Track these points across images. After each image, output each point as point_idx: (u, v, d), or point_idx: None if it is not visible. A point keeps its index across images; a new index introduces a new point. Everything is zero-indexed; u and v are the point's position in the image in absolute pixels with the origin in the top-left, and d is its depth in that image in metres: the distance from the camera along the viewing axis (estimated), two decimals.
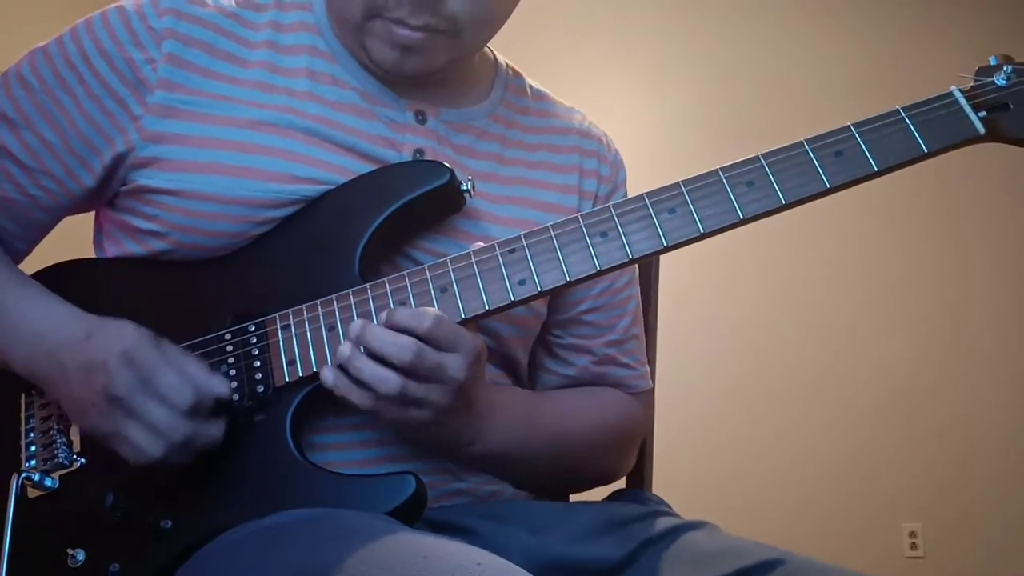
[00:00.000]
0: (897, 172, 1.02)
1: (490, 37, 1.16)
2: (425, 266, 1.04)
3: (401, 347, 0.96)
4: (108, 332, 1.02)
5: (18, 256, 1.20)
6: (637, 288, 1.35)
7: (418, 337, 0.97)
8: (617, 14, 4.90)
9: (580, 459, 1.23)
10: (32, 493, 1.06)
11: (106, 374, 0.98)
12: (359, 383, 0.98)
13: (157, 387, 0.98)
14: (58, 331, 1.05)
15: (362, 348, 0.98)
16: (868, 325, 4.48)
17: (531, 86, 1.30)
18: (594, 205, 1.24)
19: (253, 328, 1.06)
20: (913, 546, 4.31)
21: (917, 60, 4.35)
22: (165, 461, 0.98)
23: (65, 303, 1.09)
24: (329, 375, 0.99)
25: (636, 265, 1.24)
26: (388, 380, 0.96)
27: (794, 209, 1.02)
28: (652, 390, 1.38)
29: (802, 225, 4.38)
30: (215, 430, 1.00)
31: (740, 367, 4.54)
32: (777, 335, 4.53)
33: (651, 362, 1.51)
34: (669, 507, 1.20)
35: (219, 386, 1.01)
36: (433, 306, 1.01)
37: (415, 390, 0.97)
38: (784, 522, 4.12)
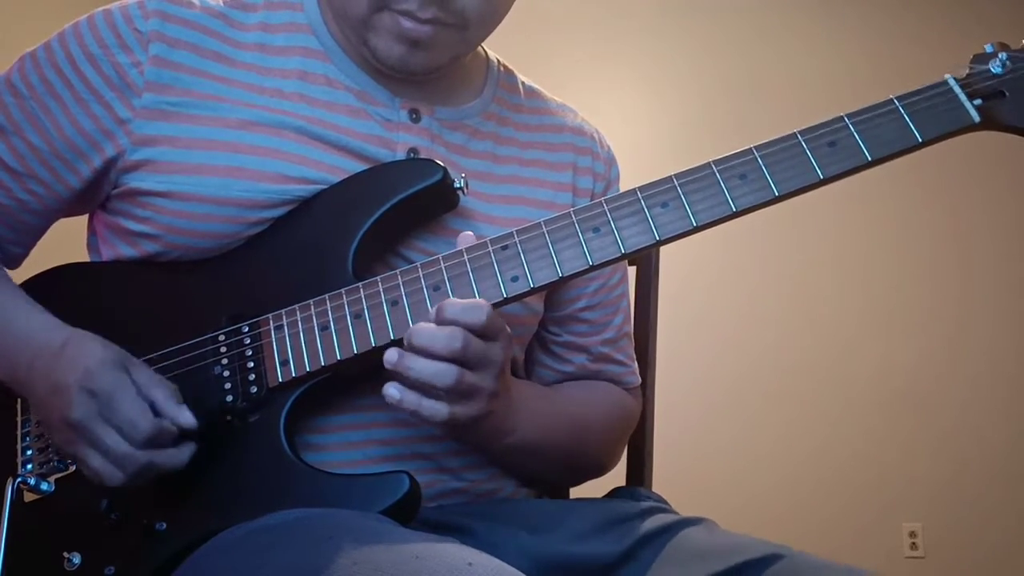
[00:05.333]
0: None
1: (490, 33, 1.16)
2: (418, 264, 1.04)
3: (450, 337, 0.95)
4: (78, 348, 1.01)
5: (15, 260, 1.20)
6: (628, 285, 1.36)
7: (473, 331, 0.96)
8: (615, 13, 4.91)
9: (589, 450, 1.25)
10: (28, 497, 1.05)
11: (66, 398, 0.98)
12: (413, 387, 0.97)
13: (115, 416, 0.97)
14: (37, 339, 1.05)
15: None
16: (869, 325, 4.47)
17: (523, 83, 1.30)
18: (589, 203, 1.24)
19: (247, 329, 1.06)
20: (913, 546, 4.31)
21: (919, 57, 4.34)
22: (127, 486, 0.98)
23: (45, 312, 1.09)
24: (394, 392, 0.97)
25: (627, 262, 1.24)
26: (446, 372, 0.96)
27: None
28: (647, 384, 1.40)
29: (804, 222, 4.39)
30: (179, 457, 0.99)
31: (740, 367, 4.54)
32: (778, 334, 4.53)
33: (651, 360, 1.51)
34: (667, 504, 1.20)
35: (182, 417, 0.99)
36: (427, 304, 1.01)
37: (470, 378, 0.97)
38: (784, 522, 4.11)
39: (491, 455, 1.13)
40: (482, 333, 0.97)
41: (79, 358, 1.00)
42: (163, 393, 1.00)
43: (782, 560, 0.96)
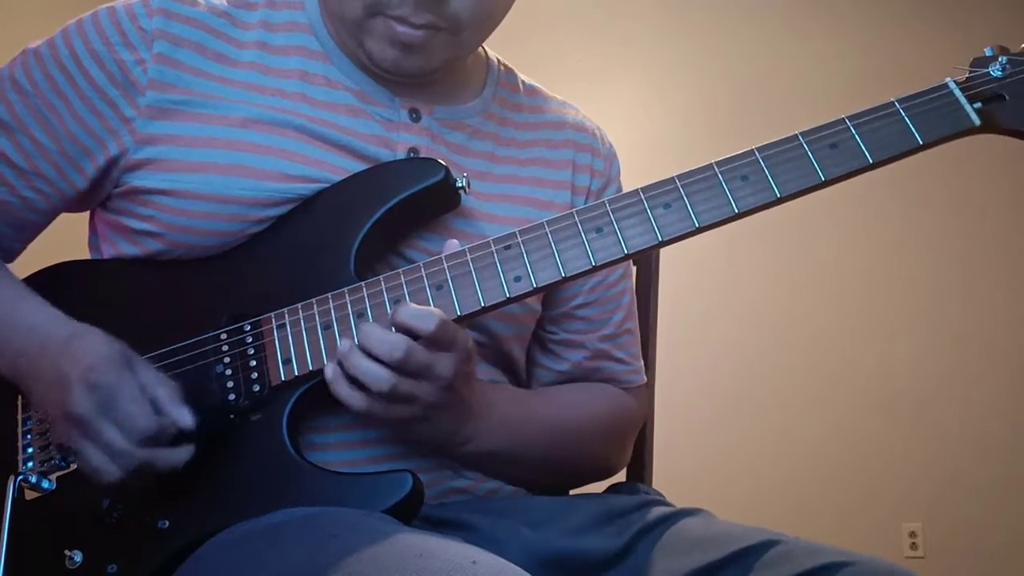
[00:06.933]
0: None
1: (487, 36, 1.16)
2: (420, 264, 1.04)
3: (392, 345, 0.96)
4: (83, 342, 1.02)
5: (12, 255, 1.20)
6: (631, 282, 1.35)
7: (422, 338, 0.97)
8: (617, 14, 4.90)
9: (575, 454, 1.23)
10: (29, 495, 1.05)
11: (69, 392, 0.98)
12: (353, 380, 0.98)
13: (116, 412, 0.97)
14: (41, 332, 1.05)
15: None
16: (870, 325, 4.47)
17: (523, 81, 1.30)
18: (586, 200, 1.24)
19: (249, 328, 1.06)
20: (913, 546, 4.31)
21: (920, 59, 4.35)
22: (123, 484, 0.98)
23: (49, 305, 1.09)
24: (330, 371, 0.99)
25: (631, 260, 1.24)
26: (380, 377, 0.97)
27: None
28: (647, 385, 1.37)
29: (805, 223, 4.39)
30: (177, 456, 0.99)
31: (741, 366, 4.54)
32: (778, 334, 4.52)
33: (651, 359, 1.51)
34: (663, 497, 1.21)
35: (183, 417, 0.99)
36: (429, 303, 1.01)
37: (404, 386, 0.98)
38: (783, 522, 4.07)
39: (452, 460, 1.12)
40: (431, 341, 0.97)
41: (83, 353, 1.00)
42: (165, 392, 1.00)
43: (778, 546, 0.98)
